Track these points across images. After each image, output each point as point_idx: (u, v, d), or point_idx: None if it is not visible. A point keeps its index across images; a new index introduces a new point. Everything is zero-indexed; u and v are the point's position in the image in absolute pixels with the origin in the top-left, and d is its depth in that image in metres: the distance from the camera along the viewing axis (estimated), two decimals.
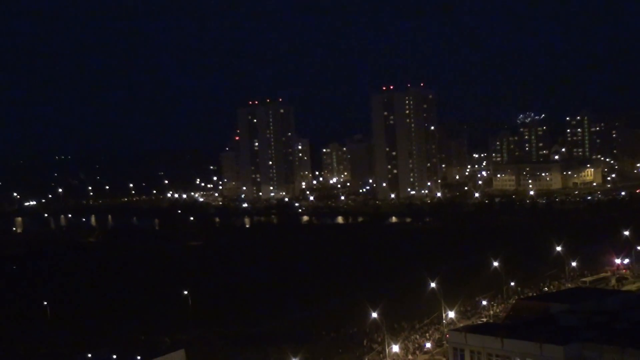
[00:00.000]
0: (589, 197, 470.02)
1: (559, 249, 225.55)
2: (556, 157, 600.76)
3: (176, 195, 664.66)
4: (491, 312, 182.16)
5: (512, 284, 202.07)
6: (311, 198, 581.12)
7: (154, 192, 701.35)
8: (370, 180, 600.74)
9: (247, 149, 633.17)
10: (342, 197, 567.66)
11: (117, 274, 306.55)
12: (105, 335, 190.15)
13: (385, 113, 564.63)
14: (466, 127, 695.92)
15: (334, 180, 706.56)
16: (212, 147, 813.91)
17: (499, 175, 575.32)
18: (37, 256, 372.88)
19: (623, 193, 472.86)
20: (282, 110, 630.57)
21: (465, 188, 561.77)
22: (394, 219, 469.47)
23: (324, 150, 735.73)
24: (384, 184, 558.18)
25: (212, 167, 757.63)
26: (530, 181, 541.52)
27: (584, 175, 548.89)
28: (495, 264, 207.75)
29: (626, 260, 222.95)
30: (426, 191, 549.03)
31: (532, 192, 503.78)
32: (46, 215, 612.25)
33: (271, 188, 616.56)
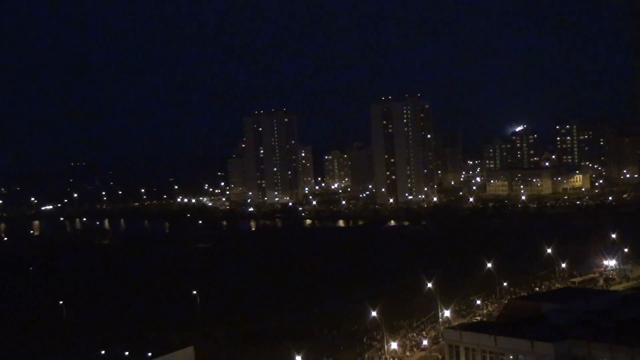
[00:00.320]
0: (578, 202, 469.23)
1: (549, 251, 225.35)
2: (546, 163, 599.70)
3: (185, 200, 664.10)
4: (485, 311, 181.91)
5: (505, 284, 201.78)
6: (314, 202, 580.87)
7: (165, 197, 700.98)
8: (370, 186, 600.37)
9: (252, 156, 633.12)
10: (343, 202, 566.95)
11: (129, 274, 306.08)
12: (117, 332, 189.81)
13: (384, 122, 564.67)
14: (461, 135, 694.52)
15: (336, 185, 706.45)
16: (219, 154, 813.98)
17: (492, 181, 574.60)
18: (53, 258, 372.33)
19: (610, 198, 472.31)
20: (286, 119, 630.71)
21: (460, 193, 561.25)
22: (392, 222, 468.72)
23: (326, 157, 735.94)
24: (383, 189, 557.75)
25: (219, 173, 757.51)
26: (522, 187, 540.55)
27: (573, 181, 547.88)
28: (489, 265, 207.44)
29: (613, 262, 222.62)
30: (423, 196, 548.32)
31: (523, 197, 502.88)
32: (62, 219, 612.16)
33: (276, 193, 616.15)
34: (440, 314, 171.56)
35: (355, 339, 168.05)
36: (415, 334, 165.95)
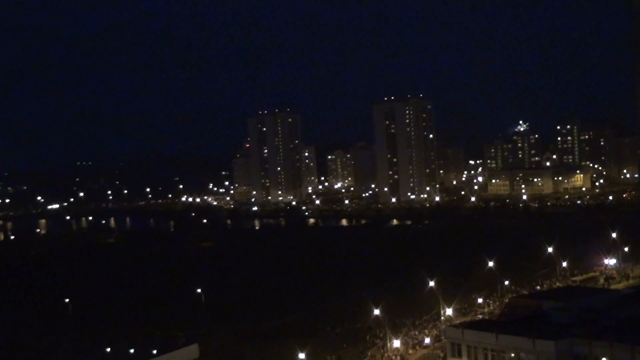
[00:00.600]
0: (579, 201, 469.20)
1: (550, 250, 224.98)
2: (547, 163, 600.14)
3: (190, 199, 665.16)
4: (486, 310, 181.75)
5: (506, 282, 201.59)
6: (317, 202, 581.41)
7: (170, 196, 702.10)
8: (373, 185, 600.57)
9: (257, 155, 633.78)
10: (346, 201, 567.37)
11: (135, 272, 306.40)
12: (123, 330, 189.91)
13: (387, 122, 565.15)
14: (463, 135, 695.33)
15: (339, 185, 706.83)
16: (224, 154, 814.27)
17: (493, 181, 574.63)
18: (59, 256, 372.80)
19: (610, 197, 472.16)
20: (289, 120, 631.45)
21: (462, 192, 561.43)
22: (394, 221, 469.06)
23: (329, 156, 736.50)
24: (386, 189, 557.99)
25: (224, 173, 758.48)
26: (523, 186, 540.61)
27: (574, 181, 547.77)
28: (490, 264, 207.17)
29: (613, 261, 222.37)
30: (425, 195, 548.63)
31: (524, 197, 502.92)
32: (68, 217, 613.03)
33: (279, 192, 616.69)
34: (442, 312, 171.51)
35: (358, 336, 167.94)
36: (417, 332, 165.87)
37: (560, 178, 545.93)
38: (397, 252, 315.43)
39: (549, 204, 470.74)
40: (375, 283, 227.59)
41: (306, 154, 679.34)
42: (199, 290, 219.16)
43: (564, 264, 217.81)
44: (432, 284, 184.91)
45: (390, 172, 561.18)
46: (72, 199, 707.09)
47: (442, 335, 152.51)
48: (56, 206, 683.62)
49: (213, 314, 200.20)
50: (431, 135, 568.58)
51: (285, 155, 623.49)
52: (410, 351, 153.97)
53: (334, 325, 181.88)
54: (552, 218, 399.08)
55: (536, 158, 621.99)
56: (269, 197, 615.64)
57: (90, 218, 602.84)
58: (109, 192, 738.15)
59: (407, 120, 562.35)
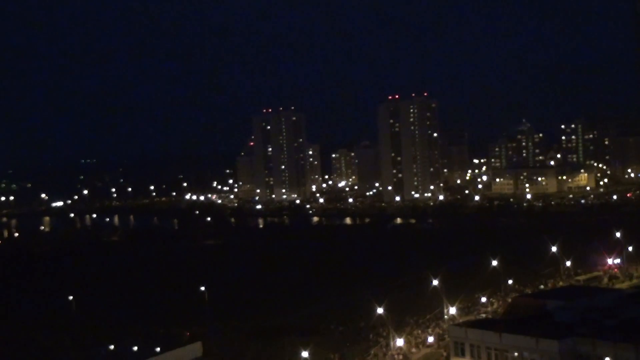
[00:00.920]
0: (583, 201, 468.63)
1: (554, 249, 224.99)
2: (552, 162, 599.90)
3: (194, 197, 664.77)
4: (490, 309, 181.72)
5: (510, 282, 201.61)
6: (321, 200, 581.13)
7: (174, 194, 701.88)
8: (377, 184, 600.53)
9: (261, 154, 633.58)
10: (350, 200, 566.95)
11: (138, 270, 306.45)
12: (126, 328, 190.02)
13: (391, 121, 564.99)
14: (467, 134, 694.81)
15: (343, 183, 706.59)
16: (228, 152, 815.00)
17: (497, 180, 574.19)
18: (63, 253, 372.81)
19: (615, 197, 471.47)
20: (294, 118, 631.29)
21: (466, 191, 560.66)
22: (398, 220, 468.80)
23: (333, 155, 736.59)
24: (390, 188, 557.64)
25: (228, 171, 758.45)
26: (527, 185, 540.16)
27: (578, 180, 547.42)
28: (494, 263, 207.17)
29: (617, 260, 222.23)
30: (429, 194, 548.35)
31: (529, 196, 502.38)
32: (72, 215, 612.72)
33: (283, 190, 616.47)
34: (445, 311, 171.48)
35: (362, 335, 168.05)
36: (420, 331, 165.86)
37: (564, 177, 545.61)
38: (401, 250, 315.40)
39: (553, 203, 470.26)
40: (379, 282, 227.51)
41: (310, 152, 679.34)
42: (202, 288, 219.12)
43: (568, 263, 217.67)
44: (435, 282, 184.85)
45: (394, 171, 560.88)
46: (76, 197, 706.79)
47: (446, 334, 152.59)
48: (60, 204, 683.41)
49: (216, 312, 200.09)
50: (435, 134, 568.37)
51: (289, 153, 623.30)
52: (414, 350, 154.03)
53: (338, 324, 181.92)
54: (556, 217, 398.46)
55: (540, 157, 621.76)
56: (273, 196, 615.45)
57: (94, 216, 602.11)
58: (113, 190, 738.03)
59: (412, 119, 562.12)
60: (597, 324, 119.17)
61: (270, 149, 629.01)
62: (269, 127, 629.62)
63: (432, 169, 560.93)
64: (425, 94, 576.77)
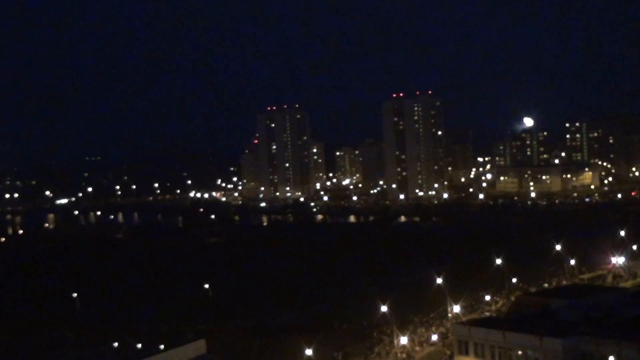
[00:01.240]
0: (587, 199, 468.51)
1: (558, 247, 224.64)
2: (556, 161, 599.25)
3: (198, 195, 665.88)
4: (494, 307, 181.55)
5: (514, 280, 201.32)
6: (325, 198, 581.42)
7: (178, 191, 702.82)
8: (381, 182, 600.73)
9: (265, 151, 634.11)
10: (354, 198, 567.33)
11: (142, 268, 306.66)
12: (130, 325, 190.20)
13: (396, 119, 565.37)
14: (471, 132, 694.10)
15: (347, 181, 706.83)
16: (232, 150, 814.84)
17: (502, 178, 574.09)
18: (67, 250, 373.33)
19: (619, 195, 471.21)
20: (298, 116, 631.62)
21: (470, 190, 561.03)
22: (402, 218, 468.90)
23: (338, 153, 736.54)
24: (394, 186, 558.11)
25: (232, 169, 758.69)
26: (531, 184, 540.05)
27: (583, 179, 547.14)
28: (498, 261, 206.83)
29: (621, 259, 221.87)
30: (433, 192, 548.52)
31: (533, 194, 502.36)
32: (76, 212, 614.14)
33: (287, 188, 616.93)
34: (449, 309, 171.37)
35: (366, 333, 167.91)
36: (424, 329, 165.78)
37: (568, 176, 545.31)
38: (405, 248, 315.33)
39: (557, 201, 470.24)
40: (383, 280, 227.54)
41: (314, 150, 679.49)
42: (206, 286, 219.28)
43: (572, 262, 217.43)
44: (439, 280, 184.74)
45: (399, 169, 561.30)
46: (80, 194, 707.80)
47: (449, 333, 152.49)
48: (65, 201, 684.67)
49: (220, 310, 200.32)
50: (440, 132, 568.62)
51: (293, 151, 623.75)
52: (417, 348, 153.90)
53: (341, 322, 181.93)
54: (561, 216, 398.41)
55: (545, 155, 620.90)
56: (277, 193, 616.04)
57: (99, 213, 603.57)
58: (117, 187, 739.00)
59: (416, 117, 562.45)
60: (601, 323, 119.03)
61: (274, 147, 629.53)
62: (273, 125, 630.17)
63: (436, 167, 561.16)
64: (430, 92, 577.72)
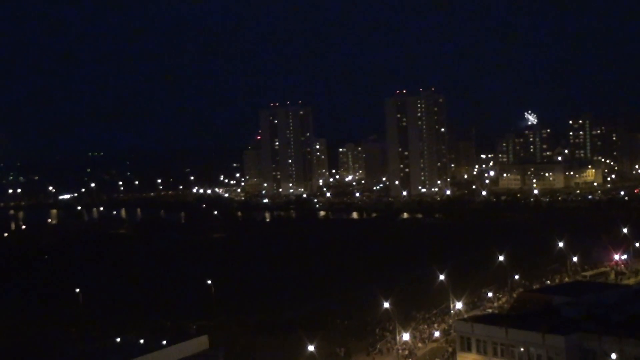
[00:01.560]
0: (590, 196, 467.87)
1: (560, 244, 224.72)
2: (559, 158, 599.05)
3: (201, 191, 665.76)
4: (496, 304, 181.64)
5: (517, 277, 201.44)
6: (328, 194, 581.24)
7: (181, 187, 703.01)
8: (384, 179, 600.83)
9: (268, 148, 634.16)
10: (357, 194, 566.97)
11: (145, 264, 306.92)
12: (133, 321, 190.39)
13: (399, 115, 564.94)
14: (474, 129, 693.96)
15: (350, 178, 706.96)
16: (235, 146, 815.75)
17: (505, 175, 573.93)
18: (70, 246, 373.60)
19: (622, 192, 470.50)
20: (301, 112, 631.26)
21: (473, 186, 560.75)
22: (405, 215, 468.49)
23: (341, 149, 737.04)
24: (397, 182, 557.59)
25: (235, 165, 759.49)
26: (534, 180, 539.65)
27: (585, 176, 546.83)
28: (501, 258, 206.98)
29: (624, 256, 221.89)
30: (436, 189, 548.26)
31: (536, 191, 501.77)
32: (79, 208, 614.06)
33: (290, 185, 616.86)
34: (452, 305, 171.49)
35: (368, 329, 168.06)
36: (426, 326, 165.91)
37: (571, 173, 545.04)
38: (408, 245, 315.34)
39: (560, 198, 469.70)
40: (385, 276, 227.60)
41: (317, 146, 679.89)
42: (209, 282, 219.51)
43: (575, 259, 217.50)
44: (442, 277, 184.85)
45: (402, 166, 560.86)
46: (83, 190, 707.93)
47: (452, 329, 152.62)
48: (67, 196, 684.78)
49: (223, 306, 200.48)
50: (443, 129, 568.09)
51: (296, 147, 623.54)
52: (420, 345, 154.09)
53: (344, 318, 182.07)
54: (563, 213, 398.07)
55: (548, 152, 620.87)
56: (280, 190, 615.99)
57: (102, 208, 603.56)
58: (120, 182, 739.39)
59: (419, 114, 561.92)
60: (603, 320, 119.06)
61: (277, 143, 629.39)
62: (276, 122, 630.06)
63: (439, 164, 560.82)
64: (433, 88, 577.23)
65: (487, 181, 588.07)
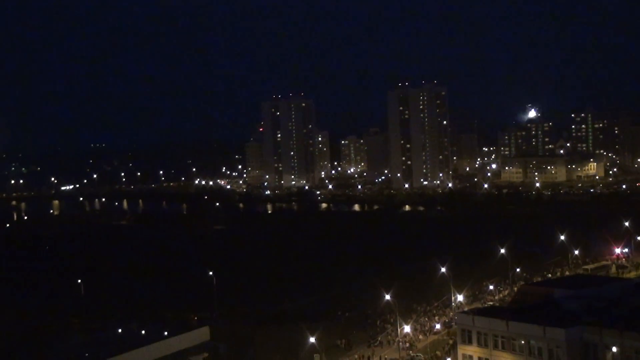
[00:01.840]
0: (592, 190, 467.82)
1: (562, 237, 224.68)
2: (561, 151, 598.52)
3: (203, 182, 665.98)
4: (497, 297, 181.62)
5: (518, 270, 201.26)
6: (330, 187, 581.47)
7: (183, 179, 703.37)
8: (386, 171, 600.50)
9: (270, 140, 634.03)
10: (359, 186, 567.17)
11: (147, 255, 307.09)
12: (134, 312, 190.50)
13: (401, 108, 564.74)
14: (477, 122, 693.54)
15: (352, 170, 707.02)
16: (237, 138, 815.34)
17: (507, 168, 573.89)
18: (72, 237, 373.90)
19: (624, 186, 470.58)
20: (303, 104, 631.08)
21: (475, 179, 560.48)
22: (407, 207, 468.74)
23: (343, 142, 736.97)
24: (399, 175, 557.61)
25: (237, 157, 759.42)
26: (536, 174, 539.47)
27: (587, 169, 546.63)
28: (502, 251, 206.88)
29: (625, 250, 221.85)
30: (438, 182, 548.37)
31: (537, 184, 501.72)
32: (81, 199, 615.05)
33: (292, 177, 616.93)
34: (453, 298, 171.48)
35: (369, 321, 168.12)
36: (427, 318, 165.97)
37: (573, 166, 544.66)
38: (409, 238, 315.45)
39: (562, 192, 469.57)
40: (387, 268, 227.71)
41: (319, 138, 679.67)
42: (210, 273, 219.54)
43: (576, 252, 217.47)
44: (443, 269, 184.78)
45: (404, 158, 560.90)
46: (85, 181, 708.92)
47: (453, 322, 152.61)
48: (70, 187, 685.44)
49: (224, 297, 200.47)
50: (445, 122, 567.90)
51: (298, 139, 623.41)
52: (421, 337, 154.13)
53: (345, 310, 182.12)
54: (565, 206, 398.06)
55: (550, 146, 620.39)
56: (282, 182, 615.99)
57: (104, 200, 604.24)
58: (122, 174, 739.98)
59: (421, 107, 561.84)
60: (604, 313, 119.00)
61: (279, 135, 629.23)
62: (278, 114, 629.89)
63: (441, 157, 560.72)
64: (435, 81, 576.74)
65: (489, 174, 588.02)
